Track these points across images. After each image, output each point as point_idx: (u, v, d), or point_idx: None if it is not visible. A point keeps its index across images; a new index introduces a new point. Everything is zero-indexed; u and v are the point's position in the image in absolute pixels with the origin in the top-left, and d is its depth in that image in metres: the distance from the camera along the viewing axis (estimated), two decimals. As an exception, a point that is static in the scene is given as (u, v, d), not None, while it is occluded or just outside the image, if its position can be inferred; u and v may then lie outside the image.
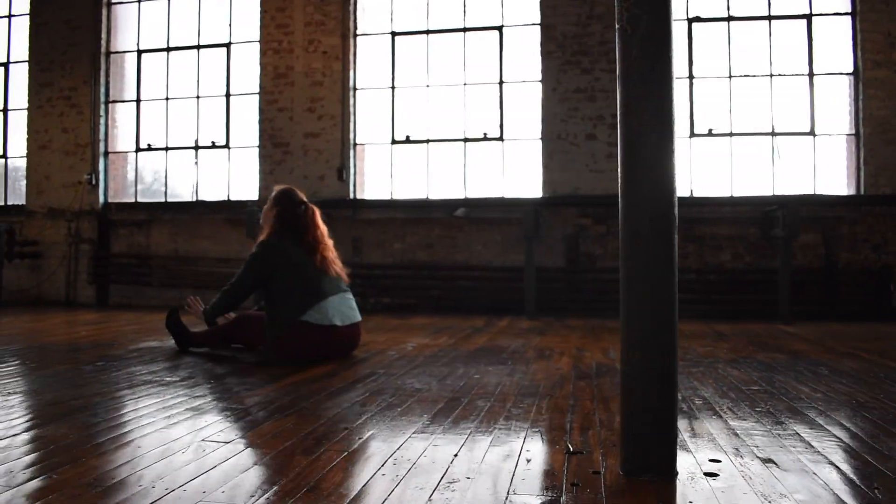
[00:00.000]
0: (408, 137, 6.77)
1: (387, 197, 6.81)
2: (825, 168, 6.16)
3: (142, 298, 7.17)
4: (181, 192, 7.29)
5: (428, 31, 6.76)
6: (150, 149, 7.34)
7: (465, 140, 6.68)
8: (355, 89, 6.89)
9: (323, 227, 3.54)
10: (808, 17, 6.14)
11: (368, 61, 6.92)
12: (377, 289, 6.72)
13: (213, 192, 7.19)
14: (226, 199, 7.12)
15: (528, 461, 1.71)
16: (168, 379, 2.85)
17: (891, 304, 5.83)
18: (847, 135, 6.11)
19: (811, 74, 6.13)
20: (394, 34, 6.82)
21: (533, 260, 5.87)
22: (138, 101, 7.38)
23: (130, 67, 7.45)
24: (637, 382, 1.64)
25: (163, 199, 7.29)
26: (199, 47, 7.22)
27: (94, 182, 7.29)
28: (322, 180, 6.84)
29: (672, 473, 1.59)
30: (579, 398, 2.50)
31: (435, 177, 6.76)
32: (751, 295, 6.03)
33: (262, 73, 6.97)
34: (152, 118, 7.36)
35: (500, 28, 6.63)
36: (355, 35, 6.89)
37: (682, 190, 6.29)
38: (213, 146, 7.16)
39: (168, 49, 7.30)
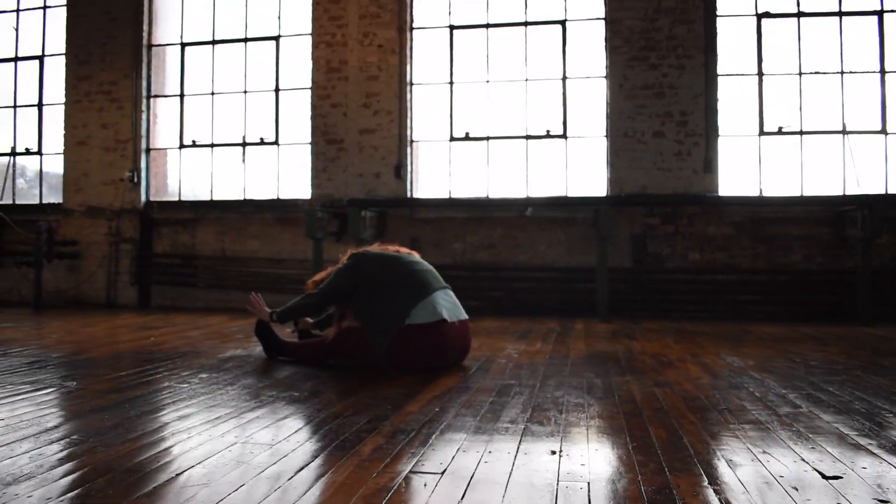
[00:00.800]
0: (467, 134, 6.69)
1: (444, 196, 6.73)
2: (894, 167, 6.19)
3: (186, 300, 7.03)
4: (227, 190, 7.15)
5: (488, 25, 6.68)
6: (194, 145, 7.19)
7: (527, 137, 6.62)
8: (412, 84, 6.80)
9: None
10: (880, 14, 6.15)
11: (425, 56, 6.82)
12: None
13: (261, 191, 7.06)
14: (275, 197, 7.00)
15: None
16: (296, 395, 2.69)
17: (967, 305, 5.87)
18: (919, 133, 6.14)
19: (882, 72, 6.15)
20: (452, 28, 6.73)
21: (606, 261, 5.83)
22: (182, 95, 7.22)
23: (173, 61, 7.30)
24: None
25: (208, 198, 7.15)
26: (246, 40, 7.08)
27: (135, 180, 7.13)
28: (378, 178, 6.74)
29: None
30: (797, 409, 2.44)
31: (495, 175, 6.70)
32: (822, 296, 6.03)
33: (314, 68, 6.85)
34: (196, 114, 7.22)
35: (562, 22, 6.57)
36: (412, 28, 6.79)
37: (751, 189, 6.28)
38: (262, 143, 7.03)
39: (213, 42, 7.15)
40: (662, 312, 6.15)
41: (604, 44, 6.46)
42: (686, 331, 5.02)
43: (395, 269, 3.33)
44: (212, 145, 7.16)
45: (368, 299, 3.26)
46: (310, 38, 6.89)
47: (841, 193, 6.17)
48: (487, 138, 6.68)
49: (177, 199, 7.24)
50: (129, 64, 7.17)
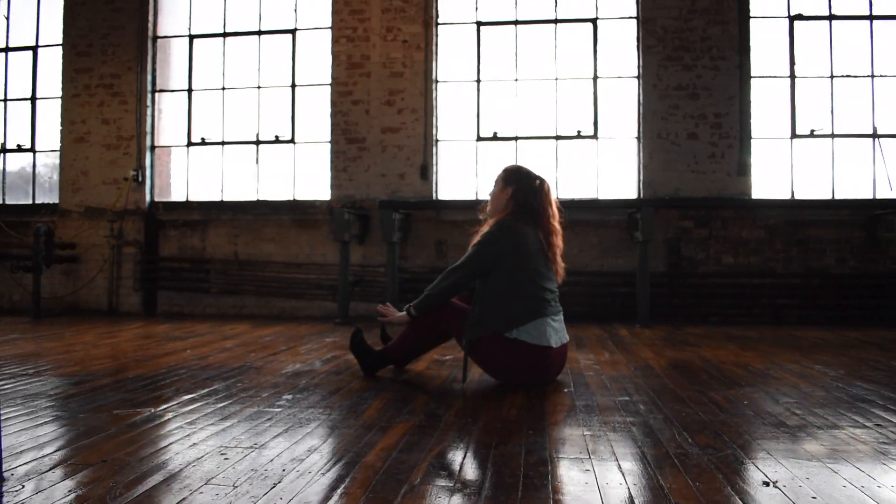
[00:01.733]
0: (495, 134, 6.59)
1: (472, 197, 6.61)
2: (923, 170, 6.32)
3: (196, 306, 6.75)
4: (239, 190, 6.89)
5: (517, 22, 6.61)
6: (203, 143, 6.91)
7: (557, 138, 6.56)
8: (437, 82, 6.67)
9: (556, 209, 3.24)
10: (910, 18, 6.29)
11: (451, 52, 6.71)
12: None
13: (276, 192, 6.83)
14: (291, 198, 6.77)
15: None
16: (422, 418, 2.55)
17: None
18: (947, 137, 6.29)
19: (913, 76, 6.29)
20: (479, 24, 6.63)
21: (647, 265, 5.80)
22: (190, 90, 6.94)
23: (180, 54, 7.01)
24: None
25: (219, 198, 6.88)
26: (259, 33, 6.85)
27: (140, 179, 6.82)
28: (402, 179, 6.59)
29: None
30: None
31: (524, 176, 6.61)
32: (856, 300, 6.11)
33: (334, 63, 6.67)
34: (206, 110, 6.95)
35: (594, 20, 6.53)
36: (437, 24, 6.66)
37: (783, 192, 6.34)
38: (277, 141, 6.80)
39: (224, 35, 6.90)
40: (700, 317, 6.16)
41: (637, 43, 6.45)
42: (737, 336, 5.00)
43: (526, 265, 3.06)
44: (222, 143, 6.90)
45: (490, 282, 3.04)
46: (329, 31, 6.71)
47: (871, 197, 6.29)
48: (516, 138, 6.60)
49: (184, 199, 6.95)
50: (133, 56, 6.86)
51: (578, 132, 6.54)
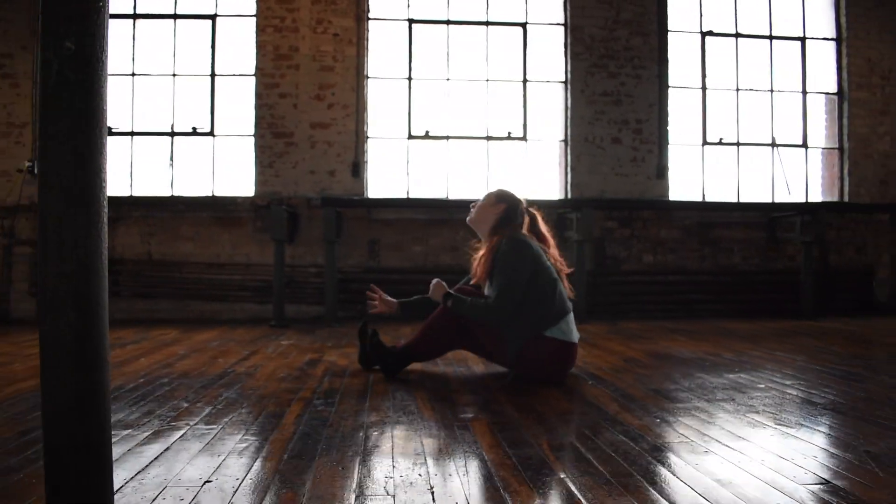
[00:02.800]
0: (427, 133, 6.67)
1: (402, 196, 6.65)
2: (814, 177, 7.15)
3: (104, 312, 6.27)
4: (152, 185, 6.49)
5: (448, 22, 6.72)
6: (110, 133, 6.43)
7: (488, 138, 6.75)
8: (368, 78, 6.63)
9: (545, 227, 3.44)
10: (802, 40, 7.07)
11: (382, 48, 6.70)
12: (397, 295, 6.51)
13: (194, 187, 6.50)
14: (210, 194, 6.48)
15: None
16: (520, 412, 2.62)
17: (874, 300, 6.92)
18: (831, 148, 7.14)
19: (804, 92, 7.08)
20: (411, 21, 6.68)
21: (584, 264, 6.12)
22: (94, 74, 6.44)
23: (81, 33, 6.48)
24: None
25: (128, 193, 6.44)
26: (175, 17, 6.49)
27: (36, 171, 6.24)
28: (333, 176, 6.50)
29: None
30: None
31: (455, 176, 6.74)
32: (760, 294, 6.80)
33: (260, 53, 6.45)
34: (112, 97, 6.47)
35: (524, 25, 6.78)
36: (368, 18, 6.63)
37: (696, 195, 6.92)
38: (195, 133, 6.47)
39: (135, 16, 6.46)
40: (622, 313, 6.58)
41: (565, 49, 6.78)
42: (675, 329, 5.42)
43: (546, 270, 3.18)
44: (132, 133, 6.47)
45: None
46: (254, 20, 6.49)
47: (771, 200, 7.01)
48: (447, 138, 6.72)
49: (87, 194, 6.44)
50: (28, 34, 6.26)
51: (509, 134, 6.77)
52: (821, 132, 7.14)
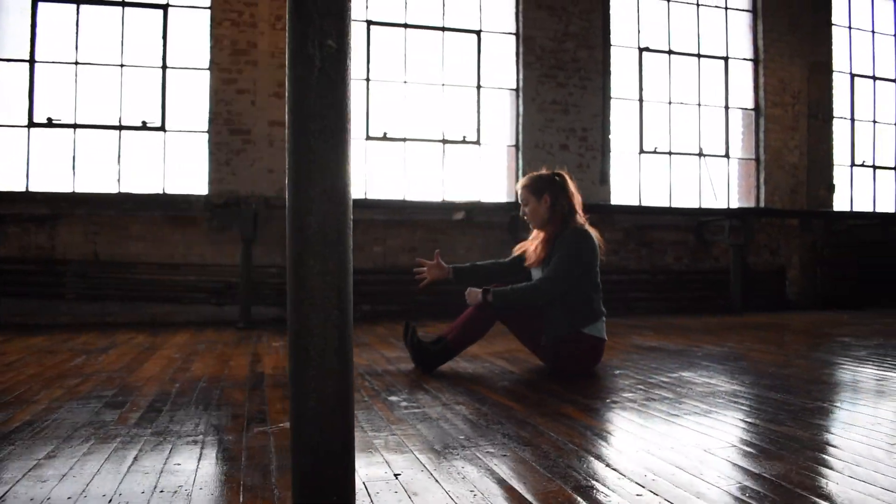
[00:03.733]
0: (385, 135, 6.82)
1: (360, 197, 6.76)
2: (728, 185, 7.95)
3: (47, 315, 5.94)
4: (97, 181, 6.21)
5: (406, 25, 6.91)
6: (50, 125, 6.10)
7: (444, 142, 7.00)
8: (327, 77, 6.69)
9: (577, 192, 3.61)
10: (726, 60, 7.85)
11: (341, 48, 6.77)
12: (357, 295, 6.64)
13: (143, 184, 6.29)
14: (161, 192, 6.30)
15: None
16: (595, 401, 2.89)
17: (786, 297, 7.80)
18: (749, 159, 7.97)
19: (727, 107, 7.86)
20: (369, 23, 6.81)
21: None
22: (32, 61, 6.08)
23: (20, 19, 6.09)
24: None
25: (70, 189, 6.13)
26: (123, 4, 6.25)
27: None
28: (292, 175, 6.51)
29: None
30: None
31: (413, 177, 6.94)
32: (691, 292, 7.49)
33: (216, 47, 6.35)
34: (53, 86, 6.14)
35: (478, 32, 7.10)
36: (328, 18, 6.69)
37: (634, 199, 7.51)
38: (145, 127, 6.27)
39: (78, 1, 6.17)
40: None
41: (517, 58, 7.16)
42: (635, 325, 5.91)
43: (596, 268, 3.46)
44: (74, 126, 6.16)
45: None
46: (208, 12, 6.38)
47: (699, 206, 7.73)
48: (405, 140, 6.91)
49: (24, 189, 6.08)
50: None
51: (464, 137, 7.06)
52: (739, 144, 7.97)
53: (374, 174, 6.85)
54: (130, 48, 6.30)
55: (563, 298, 3.35)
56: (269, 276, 6.42)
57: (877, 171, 8.45)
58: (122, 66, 6.28)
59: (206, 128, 6.41)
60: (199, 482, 1.75)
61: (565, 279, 3.31)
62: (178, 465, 1.90)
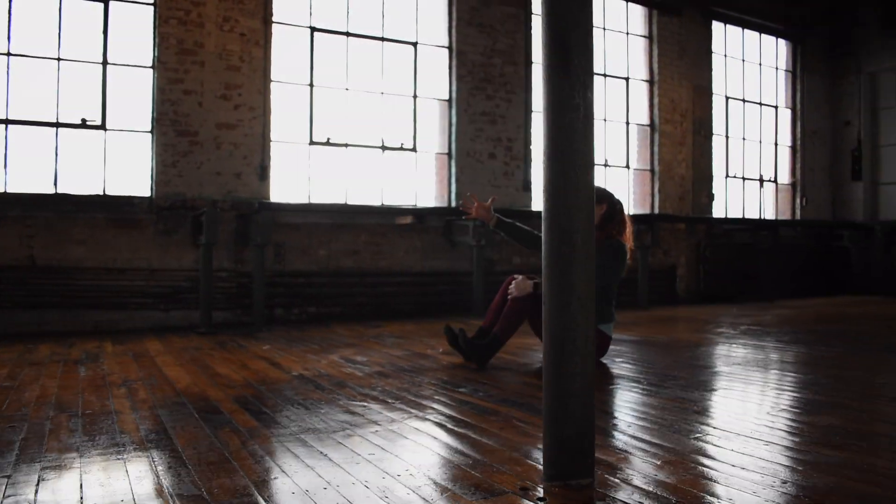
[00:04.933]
0: (328, 140, 7.08)
1: (304, 200, 6.97)
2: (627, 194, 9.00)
3: (-24, 325, 5.64)
4: (30, 181, 5.95)
5: (348, 34, 7.20)
6: (-21, 119, 5.77)
7: (384, 148, 7.38)
8: (272, 81, 6.83)
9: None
10: (627, 80, 8.87)
11: (286, 53, 6.94)
12: (302, 298, 6.86)
13: (82, 184, 6.10)
14: (101, 192, 6.15)
15: None
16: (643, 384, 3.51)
17: (676, 293, 8.97)
18: (644, 170, 9.05)
19: (627, 122, 8.88)
20: (313, 29, 7.03)
21: (482, 265, 7.11)
22: (-44, 50, 5.71)
23: (-60, 1, 5.70)
24: None
25: (2, 189, 5.82)
26: (60, -5, 6.04)
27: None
28: (239, 178, 6.61)
29: None
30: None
31: (354, 182, 7.25)
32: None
33: (162, 45, 6.30)
34: (-19, 77, 5.80)
35: (414, 44, 7.54)
36: (272, 22, 6.83)
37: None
38: (85, 125, 6.09)
39: (11, -12, 5.87)
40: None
41: (450, 71, 7.69)
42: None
43: (620, 276, 4.06)
44: (6, 122, 5.87)
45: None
46: (152, 9, 6.31)
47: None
48: (346, 145, 7.21)
49: (-52, 189, 5.70)
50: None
51: (401, 145, 7.49)
52: (636, 156, 9.04)
53: (317, 178, 7.10)
54: (69, 42, 6.10)
55: None
56: (219, 280, 6.48)
57: (745, 181, 9.93)
58: (59, 59, 6.05)
59: (149, 127, 6.35)
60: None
61: (600, 282, 3.83)
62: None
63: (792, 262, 9.70)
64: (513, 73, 8.01)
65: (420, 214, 7.34)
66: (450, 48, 7.73)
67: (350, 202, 7.21)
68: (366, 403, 3.02)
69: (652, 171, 9.07)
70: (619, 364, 4.06)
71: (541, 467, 2.07)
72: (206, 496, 1.86)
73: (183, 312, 6.34)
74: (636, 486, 1.93)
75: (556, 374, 2.00)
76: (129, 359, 4.38)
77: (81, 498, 1.87)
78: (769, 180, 10.24)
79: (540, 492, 1.91)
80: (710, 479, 1.97)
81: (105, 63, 6.23)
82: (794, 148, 10.51)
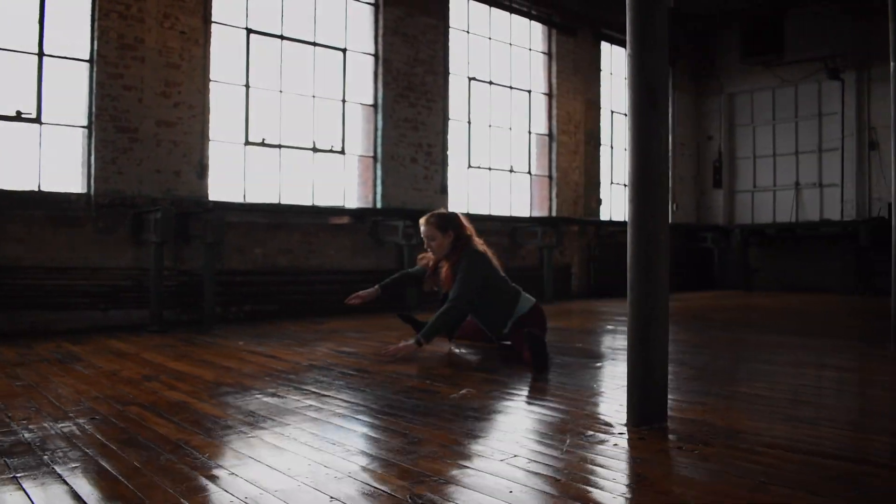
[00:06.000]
0: (263, 141, 7.30)
1: (239, 199, 7.15)
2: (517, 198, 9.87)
3: None
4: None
5: (282, 37, 7.45)
6: None
7: (314, 150, 7.69)
8: (210, 80, 6.95)
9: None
10: (529, 93, 9.73)
11: (223, 53, 7.07)
12: (240, 296, 7.04)
13: (14, 180, 5.95)
14: (37, 189, 6.03)
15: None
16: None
17: (570, 289, 9.95)
18: (543, 176, 9.96)
19: (529, 132, 9.74)
20: (249, 31, 7.22)
21: (408, 262, 7.62)
22: None
23: None
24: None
25: (-71, 184, 5.58)
26: (-7, -18, 5.84)
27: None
28: (178, 177, 6.69)
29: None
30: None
31: (286, 182, 7.51)
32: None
33: (101, 39, 6.26)
34: None
35: (343, 51, 7.91)
36: (211, 21, 6.95)
37: (462, 206, 8.97)
38: (20, 118, 5.94)
39: (-60, -29, 5.62)
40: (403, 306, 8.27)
41: (375, 77, 8.14)
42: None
43: (499, 271, 4.57)
44: (-66, 112, 5.63)
45: (484, 296, 4.48)
46: (90, 1, 6.25)
47: (509, 214, 9.48)
48: (280, 146, 7.46)
49: None
50: None
51: (331, 147, 7.84)
52: (535, 162, 9.94)
53: (252, 178, 7.30)
54: (3, 31, 5.92)
55: (479, 305, 4.49)
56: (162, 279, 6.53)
57: (626, 188, 11.13)
58: (-9, 49, 5.90)
59: (85, 122, 6.30)
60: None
61: (467, 293, 4.35)
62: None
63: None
64: (433, 82, 8.60)
65: (358, 215, 7.76)
66: (376, 56, 8.19)
67: (283, 202, 7.48)
68: (429, 380, 3.52)
69: (550, 177, 10.02)
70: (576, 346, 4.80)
71: (613, 420, 2.70)
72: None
73: (123, 312, 6.35)
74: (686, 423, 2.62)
75: (641, 343, 2.64)
76: (113, 356, 4.51)
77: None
78: (645, 187, 11.57)
79: (636, 432, 2.54)
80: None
81: (41, 55, 6.12)
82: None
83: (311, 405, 3.01)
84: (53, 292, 6.07)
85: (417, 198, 8.45)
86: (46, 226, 6.08)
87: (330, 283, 7.74)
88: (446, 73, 8.74)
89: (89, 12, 6.31)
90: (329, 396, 3.20)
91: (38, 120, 6.11)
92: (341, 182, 7.99)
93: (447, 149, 8.77)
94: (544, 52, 9.96)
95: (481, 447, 2.41)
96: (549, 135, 10.01)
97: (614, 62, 11.04)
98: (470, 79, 9.11)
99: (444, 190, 8.71)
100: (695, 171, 12.47)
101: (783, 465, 2.15)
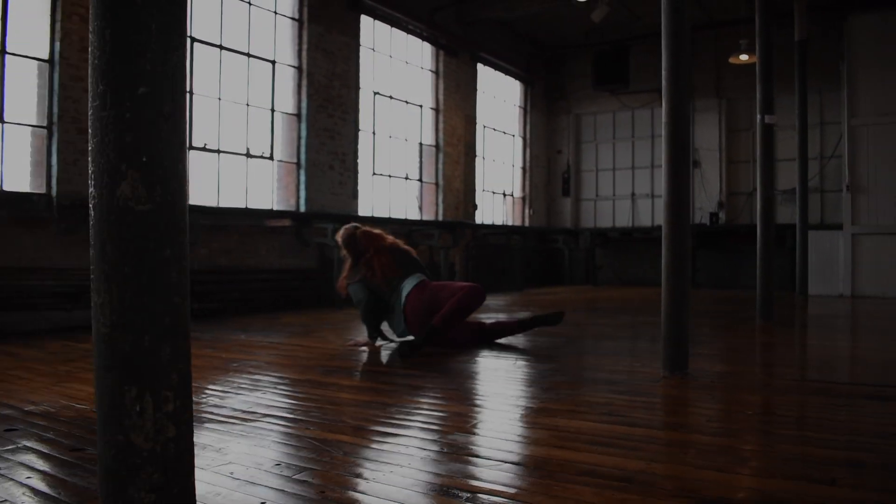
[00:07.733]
0: (205, 146, 7.64)
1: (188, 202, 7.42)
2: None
3: None
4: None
5: (221, 47, 7.81)
6: None
7: (248, 156, 8.14)
8: (158, 86, 7.18)
9: (376, 234, 5.37)
10: (421, 107, 10.75)
11: (169, 60, 7.30)
12: (194, 296, 7.31)
13: (-22, 180, 5.89)
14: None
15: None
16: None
17: (455, 286, 11.11)
18: (431, 183, 11.04)
19: (421, 144, 10.77)
20: (193, 39, 7.53)
21: (322, 262, 8.35)
22: None
23: None
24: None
25: None
26: (-43, -23, 5.75)
27: None
28: (134, 179, 6.87)
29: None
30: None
31: (224, 186, 7.90)
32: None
33: (63, 41, 6.34)
34: None
35: (273, 62, 8.42)
36: (160, 29, 7.17)
37: (373, 212, 9.81)
38: (-17, 118, 5.90)
39: None
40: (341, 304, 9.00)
41: (300, 89, 8.73)
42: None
43: (376, 286, 4.98)
44: None
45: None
46: (50, 2, 6.31)
47: (405, 217, 10.45)
48: (219, 151, 7.83)
49: None
50: None
51: (262, 153, 8.33)
52: (426, 171, 11.02)
53: (193, 182, 7.62)
54: (-34, 27, 5.87)
55: (376, 310, 4.98)
56: (119, 279, 6.69)
57: (494, 195, 12.59)
58: (-44, 46, 5.80)
59: (45, 123, 6.34)
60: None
61: (355, 301, 5.04)
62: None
63: (527, 260, 12.65)
64: (347, 95, 9.36)
65: (296, 218, 8.35)
66: (300, 68, 8.80)
67: (222, 205, 7.88)
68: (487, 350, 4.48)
69: (437, 184, 11.14)
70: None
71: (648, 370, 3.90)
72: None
73: (86, 312, 6.45)
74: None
75: (674, 309, 3.81)
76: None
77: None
78: (508, 194, 13.13)
79: (670, 376, 3.74)
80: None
81: (3, 52, 6.11)
82: (524, 169, 13.61)
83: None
84: (22, 294, 6.09)
85: (335, 202, 9.18)
86: (12, 226, 6.06)
87: (264, 282, 8.26)
88: (357, 87, 9.53)
89: (49, 13, 6.39)
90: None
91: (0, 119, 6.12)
92: (269, 186, 8.52)
93: (358, 158, 9.57)
94: (433, 71, 11.07)
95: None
96: (437, 146, 11.13)
97: (486, 82, 12.42)
98: (375, 93, 9.97)
99: (355, 195, 9.50)
100: (546, 180, 14.26)
101: (773, 395, 3.50)
